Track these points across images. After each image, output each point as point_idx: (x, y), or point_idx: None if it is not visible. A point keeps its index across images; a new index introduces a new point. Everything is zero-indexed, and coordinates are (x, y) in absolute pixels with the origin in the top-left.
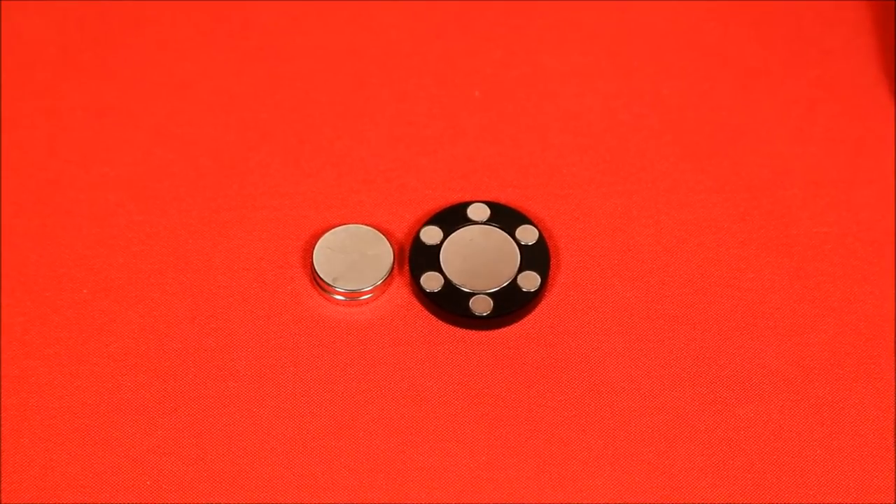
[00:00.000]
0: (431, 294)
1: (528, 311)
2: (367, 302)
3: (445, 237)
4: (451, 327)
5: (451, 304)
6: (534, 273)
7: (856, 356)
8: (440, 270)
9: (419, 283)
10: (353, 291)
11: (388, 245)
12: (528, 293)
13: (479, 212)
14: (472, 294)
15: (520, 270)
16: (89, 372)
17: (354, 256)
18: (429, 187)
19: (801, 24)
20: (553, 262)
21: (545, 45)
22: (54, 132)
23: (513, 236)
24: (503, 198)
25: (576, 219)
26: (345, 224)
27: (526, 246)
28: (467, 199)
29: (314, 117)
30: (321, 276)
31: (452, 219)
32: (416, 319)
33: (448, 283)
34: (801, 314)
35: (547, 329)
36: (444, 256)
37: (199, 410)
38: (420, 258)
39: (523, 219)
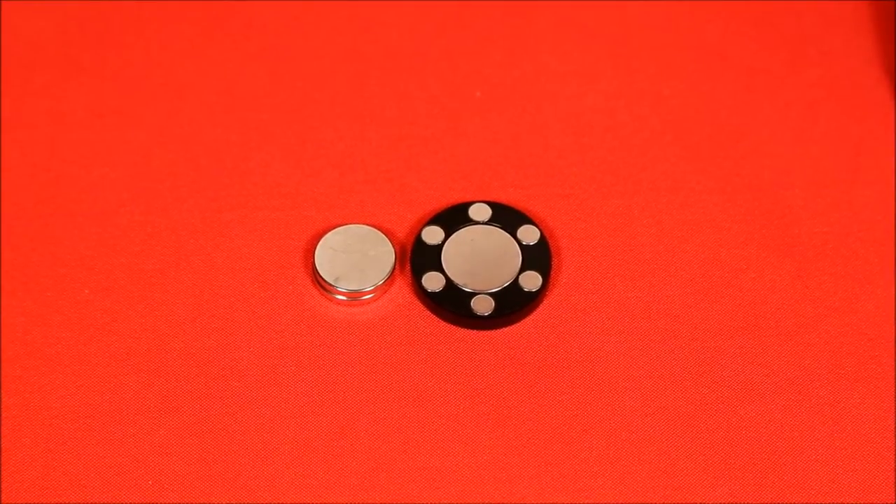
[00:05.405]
0: (433, 294)
1: (530, 311)
2: (368, 302)
3: (447, 237)
4: (453, 327)
5: (452, 304)
6: (535, 273)
7: (857, 356)
8: (442, 270)
9: (421, 283)
10: (354, 291)
11: (390, 245)
12: (529, 293)
13: (480, 212)
14: (474, 294)
15: (521, 270)
16: (90, 372)
17: (356, 256)
18: (430, 187)
19: (801, 24)
20: (554, 261)
21: (546, 45)
22: (55, 132)
23: (514, 236)
24: (504, 198)
25: (577, 219)
26: (346, 224)
27: (527, 246)
28: (469, 199)
29: (315, 117)
30: (323, 276)
31: (454, 219)
32: (418, 319)
33: (449, 283)
34: (803, 314)
35: (548, 329)
36: (445, 256)
37: (200, 410)
38: (421, 258)
39: (525, 219)
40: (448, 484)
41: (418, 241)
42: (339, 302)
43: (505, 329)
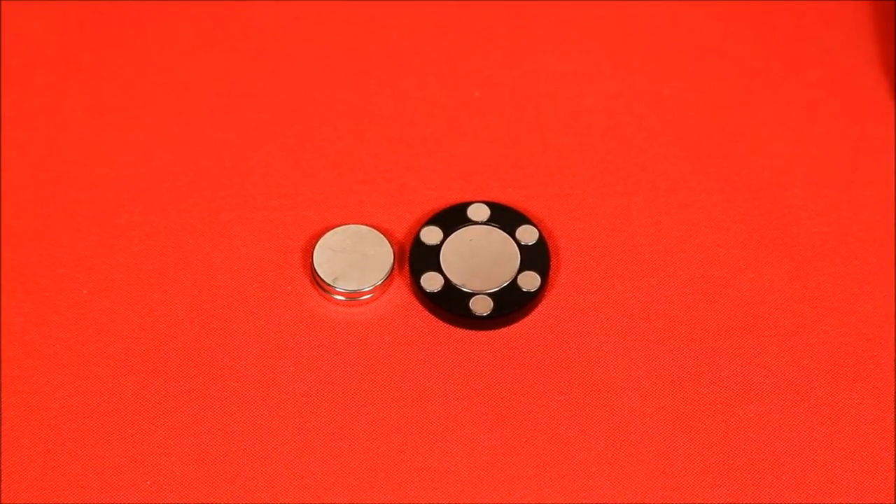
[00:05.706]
0: (432, 294)
1: (528, 312)
2: (367, 302)
3: (445, 237)
4: (452, 327)
5: (451, 305)
6: (534, 273)
7: (856, 357)
8: (440, 271)
9: (419, 283)
10: (353, 292)
11: (389, 245)
12: (528, 293)
13: (479, 212)
14: (473, 294)
15: (520, 270)
16: (89, 372)
17: (355, 257)
18: (429, 187)
19: (801, 24)
20: (553, 262)
21: (545, 45)
22: (54, 132)
23: (513, 236)
24: (503, 198)
25: (576, 219)
26: (345, 224)
27: (526, 246)
28: (467, 199)
29: (314, 117)
30: (321, 276)
31: (453, 219)
32: (417, 320)
33: (448, 284)
34: (801, 314)
35: (547, 329)
36: (444, 256)
37: (199, 411)
38: (420, 258)
39: (523, 219)
40: (447, 484)
41: (417, 242)
42: (338, 302)
43: (503, 329)
